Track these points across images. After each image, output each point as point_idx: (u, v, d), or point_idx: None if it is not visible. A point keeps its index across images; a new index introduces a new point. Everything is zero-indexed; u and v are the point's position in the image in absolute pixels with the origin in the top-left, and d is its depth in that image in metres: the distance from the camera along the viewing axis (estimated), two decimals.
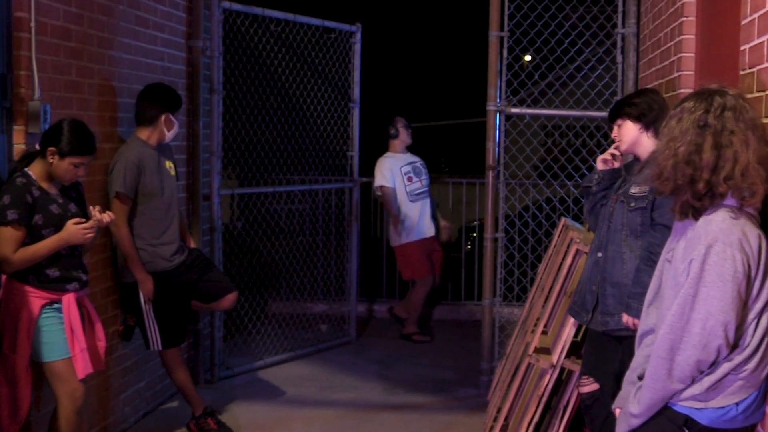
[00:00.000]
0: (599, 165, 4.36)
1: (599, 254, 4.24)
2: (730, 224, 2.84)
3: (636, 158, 4.25)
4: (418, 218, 8.20)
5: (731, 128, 2.84)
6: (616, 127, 4.20)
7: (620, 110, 4.19)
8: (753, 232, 2.86)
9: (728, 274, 2.78)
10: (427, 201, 8.33)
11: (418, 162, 8.35)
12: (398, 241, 8.26)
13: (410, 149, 8.45)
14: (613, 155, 4.36)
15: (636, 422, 3.01)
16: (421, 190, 8.26)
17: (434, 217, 8.48)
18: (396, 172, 8.17)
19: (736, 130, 2.84)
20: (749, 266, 2.81)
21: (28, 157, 4.29)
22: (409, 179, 8.21)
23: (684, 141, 2.87)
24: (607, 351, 4.24)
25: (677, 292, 2.97)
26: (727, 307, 2.78)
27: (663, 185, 2.97)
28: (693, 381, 2.96)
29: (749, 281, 2.82)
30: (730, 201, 2.87)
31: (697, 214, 2.91)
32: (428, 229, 8.32)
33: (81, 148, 4.27)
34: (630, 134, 4.13)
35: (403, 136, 8.26)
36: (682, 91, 4.67)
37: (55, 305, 4.27)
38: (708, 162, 2.82)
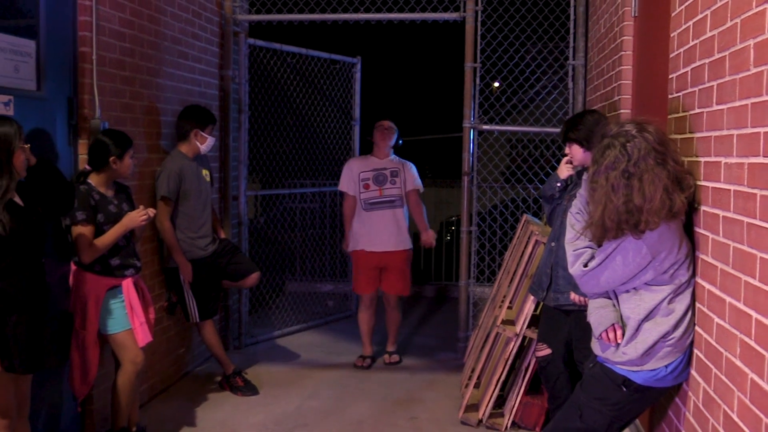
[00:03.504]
0: (563, 175, 4.33)
1: (553, 244, 4.25)
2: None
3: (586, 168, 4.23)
4: (369, 230, 6.23)
5: (647, 169, 2.86)
6: (567, 147, 4.17)
7: (566, 136, 4.15)
8: (675, 233, 2.89)
9: (630, 260, 2.86)
10: (390, 212, 6.24)
11: (389, 170, 6.31)
12: (349, 247, 6.46)
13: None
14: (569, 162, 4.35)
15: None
16: (378, 199, 6.26)
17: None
18: (354, 176, 6.31)
19: (649, 168, 2.86)
20: (653, 258, 2.89)
21: (83, 175, 4.30)
22: (366, 186, 6.27)
23: (618, 194, 2.88)
24: (558, 322, 4.25)
25: None
26: (611, 280, 3.00)
27: (609, 234, 2.96)
28: (627, 345, 2.99)
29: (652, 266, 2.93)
30: None
31: None
32: (383, 244, 6.22)
33: (127, 142, 4.35)
34: (578, 155, 4.09)
35: (376, 139, 6.34)
36: (622, 111, 4.68)
37: (117, 288, 4.29)
38: (640, 205, 2.83)
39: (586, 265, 3.11)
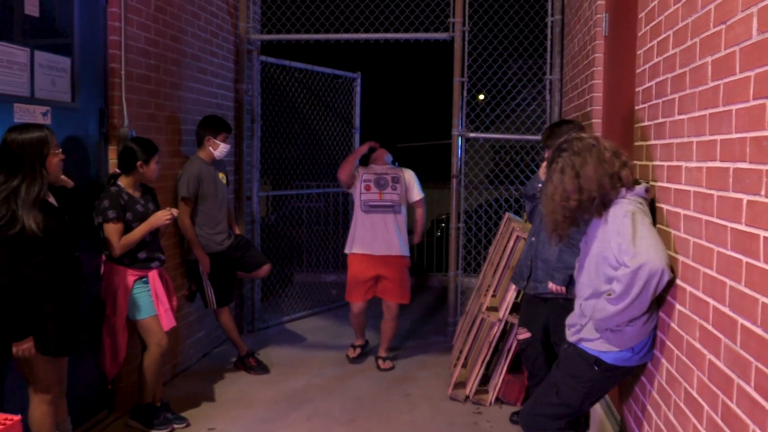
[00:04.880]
0: (543, 176, 4.33)
1: (533, 239, 4.26)
2: (633, 202, 2.88)
3: None
4: (367, 232, 5.60)
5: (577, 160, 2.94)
6: (547, 152, 4.17)
7: (546, 142, 4.15)
8: (647, 212, 2.90)
9: (649, 225, 2.79)
10: (390, 217, 5.60)
11: (390, 175, 5.71)
12: (347, 249, 5.78)
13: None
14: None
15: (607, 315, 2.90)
16: (378, 203, 5.60)
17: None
18: (358, 175, 5.70)
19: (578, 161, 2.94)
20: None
21: (113, 177, 4.31)
22: (367, 188, 5.64)
23: (599, 172, 2.90)
24: (537, 309, 4.26)
25: (595, 264, 2.99)
26: (659, 241, 2.76)
27: (587, 196, 2.94)
28: (601, 332, 2.98)
29: None
30: (623, 194, 2.91)
31: (608, 207, 2.93)
32: (381, 247, 5.58)
33: (153, 149, 4.35)
34: None
35: (375, 155, 5.86)
36: (594, 120, 4.68)
37: (144, 279, 4.29)
38: (612, 172, 2.86)
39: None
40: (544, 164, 4.29)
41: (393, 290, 5.67)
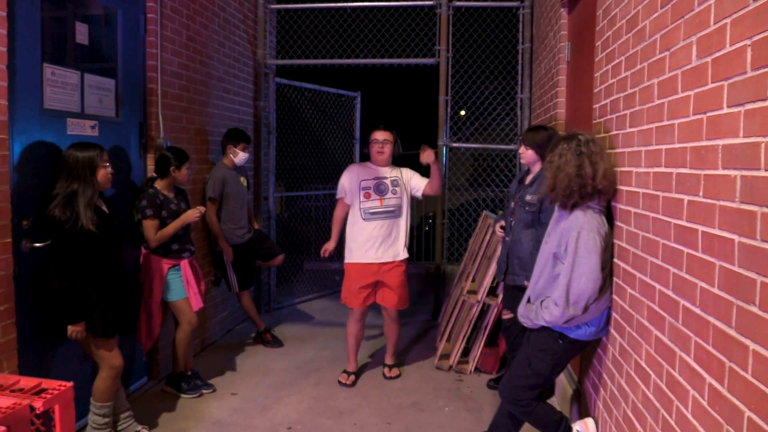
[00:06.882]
0: (498, 234, 4.38)
1: (507, 239, 4.24)
2: (591, 217, 2.85)
3: (528, 170, 4.20)
4: (367, 240, 4.54)
5: (595, 152, 2.85)
6: (523, 147, 4.07)
7: (526, 140, 4.11)
8: (604, 222, 2.89)
9: (592, 248, 2.79)
10: (391, 222, 4.58)
11: (389, 179, 4.64)
12: (345, 259, 4.68)
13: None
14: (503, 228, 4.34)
15: (542, 324, 2.99)
16: (380, 209, 4.56)
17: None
18: (355, 184, 4.63)
19: (596, 152, 2.86)
20: (603, 243, 2.83)
21: (150, 180, 4.30)
22: (367, 195, 4.57)
23: (570, 165, 2.87)
24: (516, 296, 4.25)
25: (545, 259, 3.00)
26: (594, 269, 2.79)
27: (556, 194, 2.93)
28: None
29: (603, 252, 2.84)
30: (591, 203, 2.89)
31: (572, 208, 2.91)
32: (382, 254, 4.56)
33: (185, 157, 4.34)
34: (530, 156, 4.05)
35: (372, 154, 4.74)
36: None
37: (176, 267, 4.28)
38: (589, 173, 2.83)
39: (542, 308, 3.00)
40: (498, 229, 4.34)
41: (392, 298, 4.69)
